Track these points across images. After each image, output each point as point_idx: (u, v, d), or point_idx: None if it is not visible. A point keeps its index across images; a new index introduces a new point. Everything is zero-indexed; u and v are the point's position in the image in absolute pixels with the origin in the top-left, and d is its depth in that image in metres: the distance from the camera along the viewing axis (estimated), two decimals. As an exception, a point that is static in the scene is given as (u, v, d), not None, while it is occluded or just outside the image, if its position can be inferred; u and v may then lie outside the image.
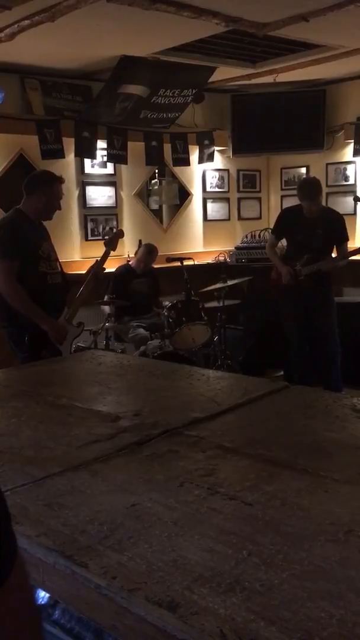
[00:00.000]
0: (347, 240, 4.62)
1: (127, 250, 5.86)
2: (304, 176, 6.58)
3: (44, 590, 1.17)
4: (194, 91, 5.75)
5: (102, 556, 1.10)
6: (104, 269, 3.83)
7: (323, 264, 4.45)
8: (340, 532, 1.14)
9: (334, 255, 4.62)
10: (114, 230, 4.03)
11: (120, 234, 4.08)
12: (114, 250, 3.88)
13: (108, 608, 1.01)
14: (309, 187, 4.58)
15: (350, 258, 4.60)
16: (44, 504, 1.31)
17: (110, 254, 3.87)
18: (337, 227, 4.55)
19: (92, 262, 3.84)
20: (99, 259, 3.76)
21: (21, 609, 0.61)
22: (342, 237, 4.56)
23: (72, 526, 1.21)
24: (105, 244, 3.85)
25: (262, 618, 0.91)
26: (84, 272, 3.85)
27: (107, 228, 5.72)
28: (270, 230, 6.38)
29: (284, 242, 4.86)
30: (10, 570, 0.60)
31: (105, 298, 4.83)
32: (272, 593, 0.97)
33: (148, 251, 5.29)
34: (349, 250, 4.61)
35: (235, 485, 1.37)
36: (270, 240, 4.92)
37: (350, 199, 6.01)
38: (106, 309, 4.84)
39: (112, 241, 3.86)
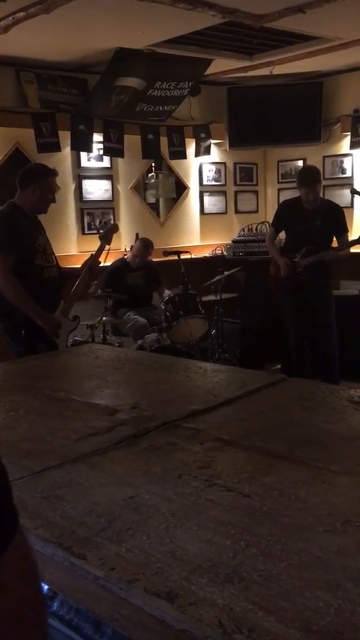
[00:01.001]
0: (347, 231, 4.62)
1: (124, 244, 5.85)
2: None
3: (43, 582, 1.17)
4: (190, 84, 5.73)
5: (100, 548, 1.10)
6: (99, 262, 3.83)
7: (325, 254, 4.43)
8: (337, 523, 1.15)
9: (333, 247, 4.61)
10: (109, 224, 4.04)
11: (115, 228, 4.07)
12: (109, 244, 3.88)
13: (107, 599, 1.02)
14: (306, 174, 4.60)
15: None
16: (42, 497, 1.31)
17: (106, 248, 3.87)
18: (336, 219, 4.55)
19: (88, 255, 3.84)
20: (94, 252, 3.76)
21: (21, 582, 0.60)
22: (341, 228, 4.56)
23: (70, 518, 1.21)
24: (100, 238, 3.85)
25: (260, 608, 0.91)
26: (80, 265, 3.85)
27: (102, 222, 5.71)
28: (267, 224, 6.41)
29: (283, 235, 4.86)
30: (8, 543, 0.59)
31: (99, 292, 4.82)
32: (270, 583, 0.98)
33: (144, 246, 5.27)
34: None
35: (233, 477, 1.37)
36: (269, 232, 4.91)
37: (347, 192, 5.98)
38: (98, 303, 4.84)
39: (107, 235, 3.86)
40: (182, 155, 6.37)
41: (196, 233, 6.76)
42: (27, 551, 0.63)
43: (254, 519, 1.18)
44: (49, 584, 1.18)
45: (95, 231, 5.83)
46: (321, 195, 4.83)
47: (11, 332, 3.33)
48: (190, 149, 6.47)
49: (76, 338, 4.09)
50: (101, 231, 3.97)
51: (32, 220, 3.42)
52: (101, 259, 3.83)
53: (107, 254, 3.95)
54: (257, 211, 7.12)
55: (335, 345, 4.58)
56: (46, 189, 3.39)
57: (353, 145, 6.20)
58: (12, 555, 0.59)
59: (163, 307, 4.75)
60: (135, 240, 5.49)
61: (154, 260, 5.49)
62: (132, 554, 1.07)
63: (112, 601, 1.00)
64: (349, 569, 1.00)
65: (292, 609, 0.91)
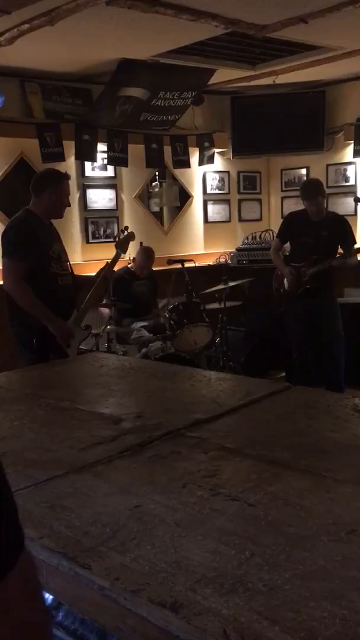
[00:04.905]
0: (355, 243, 4.61)
1: (129, 253, 5.85)
2: (304, 177, 6.60)
3: (48, 592, 1.17)
4: (193, 93, 5.76)
5: (105, 558, 1.10)
6: (114, 271, 3.82)
7: (332, 260, 4.43)
8: (342, 532, 1.15)
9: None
10: (125, 232, 3.97)
11: (132, 236, 4.01)
12: (124, 253, 3.86)
13: (111, 609, 1.02)
14: (308, 188, 4.64)
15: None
16: (47, 506, 1.32)
17: (121, 257, 3.85)
18: (343, 231, 4.55)
19: (93, 264, 3.85)
20: (109, 261, 3.74)
21: (26, 603, 0.60)
22: (349, 241, 4.55)
23: (75, 528, 1.21)
24: (116, 247, 3.83)
25: (265, 618, 0.91)
26: (85, 275, 3.86)
27: (119, 230, 5.71)
28: (271, 232, 6.42)
29: (287, 246, 4.87)
30: (13, 563, 0.59)
31: (104, 301, 4.83)
32: (275, 593, 0.97)
33: (147, 256, 5.28)
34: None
35: (238, 486, 1.37)
36: (275, 244, 4.93)
37: (350, 200, 6.01)
38: (105, 311, 4.84)
39: (123, 244, 3.84)
40: (186, 164, 6.40)
41: (200, 241, 6.78)
42: (32, 572, 0.62)
43: (258, 529, 1.18)
44: (54, 594, 1.18)
45: (100, 240, 5.85)
46: (325, 204, 4.84)
47: (23, 338, 3.33)
48: (194, 157, 6.49)
49: (81, 347, 4.09)
50: (117, 239, 3.92)
51: (47, 227, 3.43)
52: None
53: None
54: (260, 219, 7.13)
55: (342, 352, 4.58)
56: (61, 193, 3.40)
57: (356, 154, 6.21)
58: (17, 577, 0.58)
59: (167, 315, 4.75)
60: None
61: (158, 268, 5.51)
62: (136, 563, 1.07)
63: (117, 611, 1.00)
64: (354, 579, 1.00)
65: (297, 619, 0.91)
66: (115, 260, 3.75)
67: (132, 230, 4.03)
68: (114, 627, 1.03)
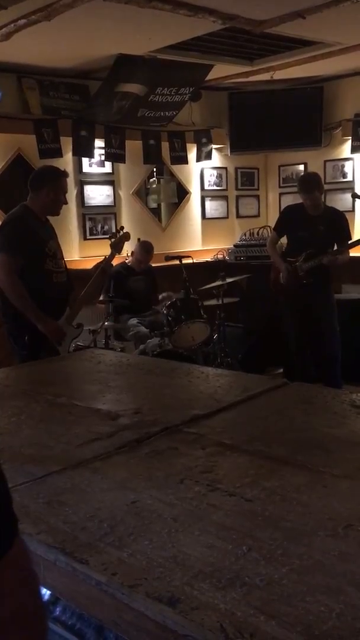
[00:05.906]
0: (350, 239, 4.61)
1: (126, 249, 5.85)
2: (302, 173, 6.59)
3: (45, 587, 1.17)
4: (191, 89, 5.74)
5: (102, 553, 1.10)
6: (112, 264, 3.85)
7: (323, 258, 4.43)
8: (339, 527, 1.15)
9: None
10: (121, 232, 3.99)
11: (127, 237, 4.03)
12: (119, 253, 3.88)
13: (109, 604, 1.02)
14: (305, 181, 4.64)
15: (350, 255, 4.60)
16: (44, 502, 1.32)
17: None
18: (340, 226, 4.55)
19: (91, 261, 3.85)
20: (107, 256, 3.75)
21: (19, 590, 0.60)
22: (345, 236, 4.56)
23: (72, 523, 1.22)
24: (111, 246, 3.84)
25: (262, 612, 0.91)
26: (81, 268, 3.85)
27: (114, 230, 5.69)
28: (269, 228, 6.42)
29: (284, 240, 4.87)
30: (6, 551, 0.59)
31: (102, 297, 4.83)
32: (272, 588, 0.98)
33: (145, 250, 5.27)
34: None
35: (235, 481, 1.37)
36: (271, 237, 4.93)
37: (348, 196, 6.00)
38: (100, 307, 4.84)
39: (118, 244, 3.86)
40: (184, 160, 6.39)
41: (198, 238, 6.77)
42: (25, 559, 0.63)
43: (255, 524, 1.18)
44: (52, 589, 1.18)
45: (97, 236, 5.84)
46: (323, 200, 4.83)
47: (15, 334, 3.33)
48: (192, 154, 6.49)
49: (78, 343, 4.09)
50: (112, 239, 3.94)
51: (44, 224, 3.42)
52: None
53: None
54: (258, 215, 7.13)
55: (339, 348, 4.58)
56: (59, 190, 3.40)
57: (354, 150, 6.21)
58: (10, 563, 0.59)
59: (165, 311, 4.75)
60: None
61: (156, 265, 5.50)
62: (134, 559, 1.08)
63: (114, 606, 1.01)
64: (351, 574, 1.01)
65: (294, 613, 0.91)
66: (110, 258, 3.76)
67: (128, 231, 4.05)
68: (111, 622, 1.03)
